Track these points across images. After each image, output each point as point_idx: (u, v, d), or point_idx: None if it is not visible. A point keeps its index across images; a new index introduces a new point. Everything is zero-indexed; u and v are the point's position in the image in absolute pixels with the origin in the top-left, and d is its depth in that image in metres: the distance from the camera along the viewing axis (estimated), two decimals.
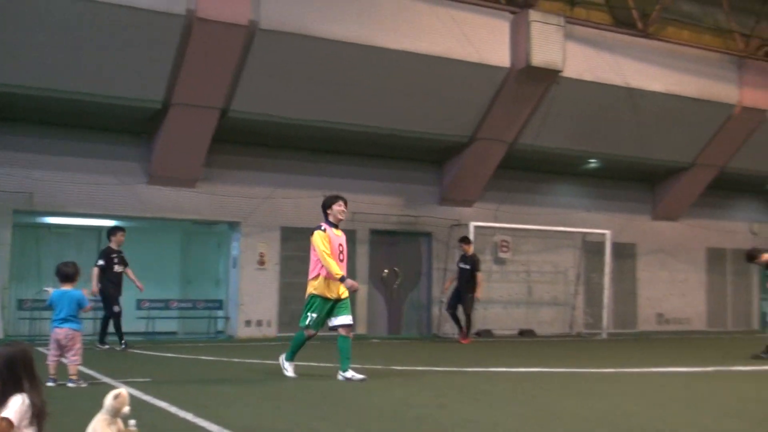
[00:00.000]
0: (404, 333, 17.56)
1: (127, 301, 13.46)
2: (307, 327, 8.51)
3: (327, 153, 16.87)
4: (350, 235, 16.77)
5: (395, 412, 6.40)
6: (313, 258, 8.53)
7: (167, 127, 14.29)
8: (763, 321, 22.72)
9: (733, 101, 18.23)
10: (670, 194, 20.19)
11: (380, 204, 17.21)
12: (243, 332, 15.93)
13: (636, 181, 20.45)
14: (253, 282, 16.14)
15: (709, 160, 19.29)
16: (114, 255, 12.71)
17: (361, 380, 8.16)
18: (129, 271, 12.88)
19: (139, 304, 15.79)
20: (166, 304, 16.51)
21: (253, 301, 16.11)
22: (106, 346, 12.49)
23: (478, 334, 17.23)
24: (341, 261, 8.52)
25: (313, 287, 8.44)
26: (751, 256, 12.44)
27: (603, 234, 18.44)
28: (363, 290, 17.03)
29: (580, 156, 18.33)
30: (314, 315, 8.43)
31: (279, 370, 8.76)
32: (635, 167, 19.32)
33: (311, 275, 8.50)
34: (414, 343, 15.37)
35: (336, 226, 8.73)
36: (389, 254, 17.61)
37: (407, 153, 17.36)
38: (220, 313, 16.80)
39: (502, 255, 18.52)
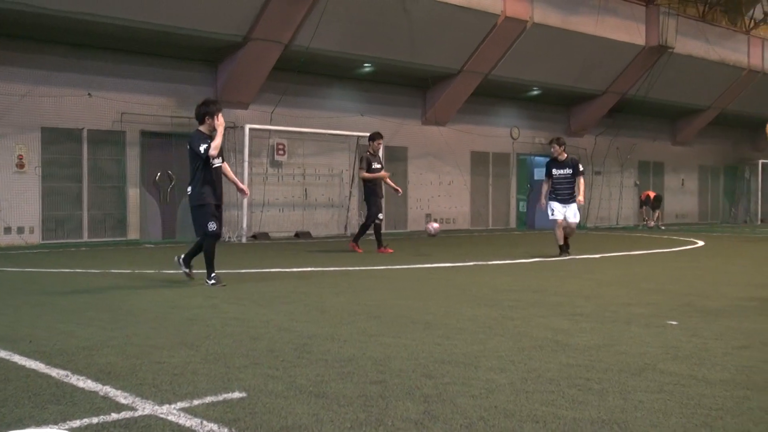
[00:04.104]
0: (179, 237, 17.22)
1: None
2: None
3: (92, 49, 15.81)
4: (119, 137, 16.13)
5: (166, 314, 6.32)
6: None
7: None
8: (520, 220, 24.70)
9: (497, 11, 19.12)
10: (439, 100, 21.02)
11: (151, 105, 16.50)
12: (2, 240, 14.87)
13: (408, 86, 21.05)
14: (11, 187, 15.00)
15: (475, 68, 20.24)
16: None
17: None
18: None
19: None
20: None
21: (12, 206, 15.02)
22: None
23: (255, 236, 17.30)
24: None
25: None
26: None
27: None
28: (135, 194, 16.46)
29: (355, 60, 18.52)
30: None
31: (34, 277, 8.31)
32: (407, 72, 19.86)
33: None
34: (189, 247, 15.10)
35: None
36: (162, 157, 17.01)
37: (179, 51, 16.65)
38: None
39: (278, 158, 18.52)
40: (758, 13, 28.44)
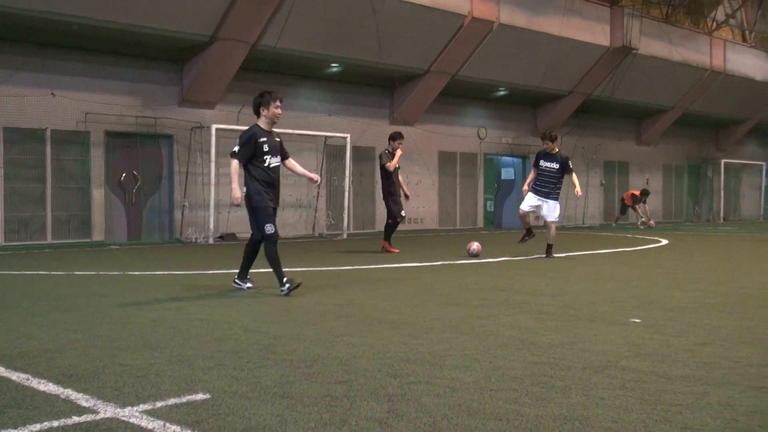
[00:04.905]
0: (145, 238, 17.06)
1: None
2: None
3: (56, 48, 15.61)
4: (84, 137, 15.93)
5: (130, 316, 6.26)
6: None
7: None
8: (487, 219, 24.84)
9: (464, 12, 19.21)
10: (406, 100, 21.06)
11: (116, 104, 16.33)
12: None
13: (375, 86, 21.06)
14: None
15: (442, 68, 20.31)
16: None
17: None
18: None
19: None
20: None
21: None
22: None
23: (222, 237, 17.20)
24: None
25: None
26: None
27: (344, 137, 18.94)
28: (100, 195, 16.28)
29: (322, 60, 18.48)
30: None
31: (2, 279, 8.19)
32: (375, 72, 19.87)
33: None
34: (155, 248, 15.01)
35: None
36: (127, 157, 16.84)
37: (144, 51, 16.49)
38: None
39: None
40: (720, 14, 28.89)
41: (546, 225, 12.60)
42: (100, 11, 14.37)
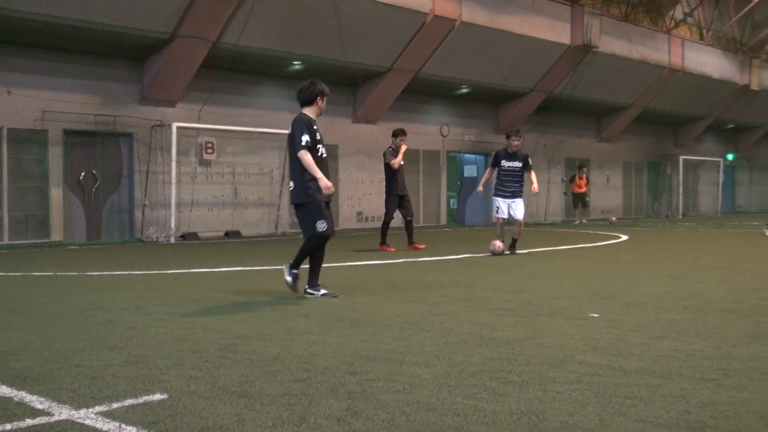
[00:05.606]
0: (105, 238, 16.86)
1: None
2: None
3: (11, 45, 15.38)
4: (41, 136, 15.69)
5: (88, 316, 6.19)
6: None
7: None
8: (451, 217, 24.95)
9: (426, 9, 19.26)
10: (369, 98, 21.06)
11: (74, 102, 16.11)
12: None
13: (338, 84, 20.99)
14: None
15: (404, 66, 20.36)
16: None
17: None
18: None
19: None
20: None
21: None
22: None
23: (183, 236, 17.06)
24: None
25: None
26: None
27: None
28: (58, 195, 16.05)
29: (284, 57, 18.41)
30: None
31: None
32: (337, 70, 19.83)
33: None
34: (115, 248, 14.84)
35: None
36: (86, 156, 16.63)
37: (103, 48, 16.28)
38: None
39: (207, 156, 18.29)
40: (678, 13, 29.33)
41: (514, 223, 12.57)
42: (58, 8, 14.16)
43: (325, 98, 7.35)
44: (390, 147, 13.33)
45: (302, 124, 7.11)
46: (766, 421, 3.29)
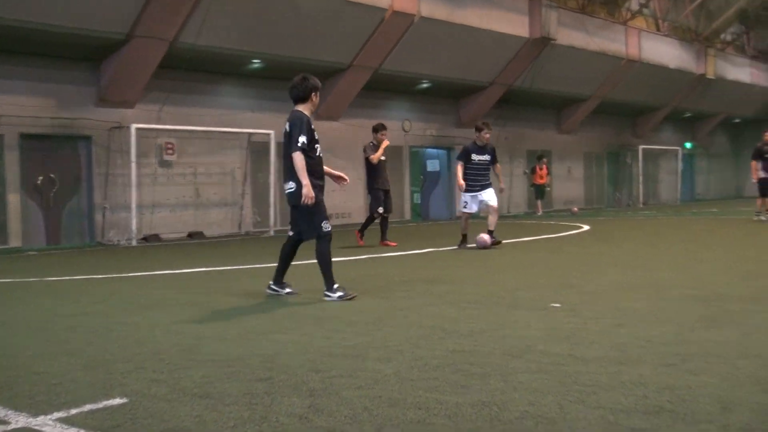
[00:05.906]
0: (65, 243, 16.62)
1: None
2: None
3: None
4: None
5: (47, 322, 6.10)
6: None
7: None
8: (414, 212, 25.01)
9: (385, 5, 19.25)
10: (330, 95, 20.97)
11: (30, 106, 15.85)
12: None
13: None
14: None
15: (364, 62, 20.33)
16: None
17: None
18: None
19: None
20: None
21: None
22: None
23: (146, 238, 16.88)
24: None
25: None
26: None
27: (268, 134, 18.76)
28: (16, 200, 15.79)
29: (243, 56, 18.27)
30: None
31: None
32: (297, 68, 19.57)
33: None
34: (76, 253, 14.64)
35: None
36: (43, 160, 16.37)
37: (58, 50, 16.02)
38: None
39: (167, 158, 18.11)
40: (634, 4, 29.67)
41: (489, 210, 12.43)
42: (11, 11, 13.90)
43: (318, 93, 7.15)
44: (371, 142, 13.31)
45: (301, 124, 6.89)
46: (723, 404, 3.35)
